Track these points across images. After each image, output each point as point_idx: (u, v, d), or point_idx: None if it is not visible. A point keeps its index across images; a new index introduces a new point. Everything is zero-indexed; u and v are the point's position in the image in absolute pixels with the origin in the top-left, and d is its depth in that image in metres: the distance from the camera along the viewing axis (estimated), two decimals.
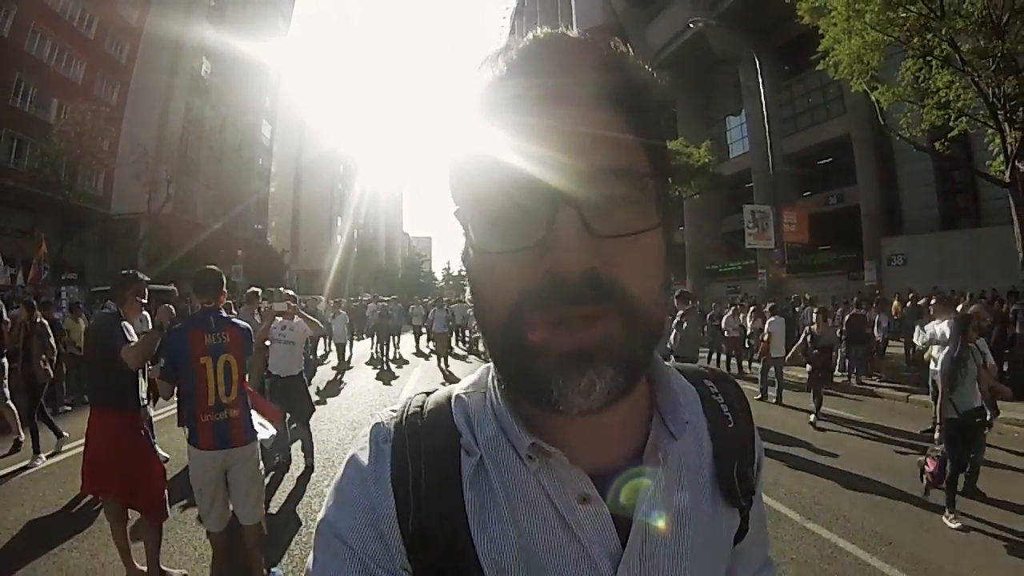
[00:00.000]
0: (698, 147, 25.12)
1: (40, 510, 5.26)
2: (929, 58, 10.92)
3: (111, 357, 3.67)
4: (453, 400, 0.63)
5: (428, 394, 0.66)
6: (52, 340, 7.68)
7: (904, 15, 10.60)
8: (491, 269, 0.51)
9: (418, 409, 0.63)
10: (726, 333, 14.29)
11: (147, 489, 3.77)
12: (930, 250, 22.66)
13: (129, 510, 3.87)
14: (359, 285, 48.42)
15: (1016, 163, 10.39)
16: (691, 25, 19.72)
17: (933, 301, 11.00)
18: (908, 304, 14.73)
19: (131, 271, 4.15)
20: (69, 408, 9.98)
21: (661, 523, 0.58)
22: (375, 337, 17.82)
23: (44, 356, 7.31)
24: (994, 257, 18.19)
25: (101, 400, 3.89)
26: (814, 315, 9.49)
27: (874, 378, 12.42)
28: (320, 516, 0.59)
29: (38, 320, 7.60)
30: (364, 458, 0.60)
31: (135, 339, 3.76)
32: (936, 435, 5.25)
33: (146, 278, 4.18)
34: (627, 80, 0.53)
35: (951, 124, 11.35)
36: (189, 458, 3.47)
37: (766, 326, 10.36)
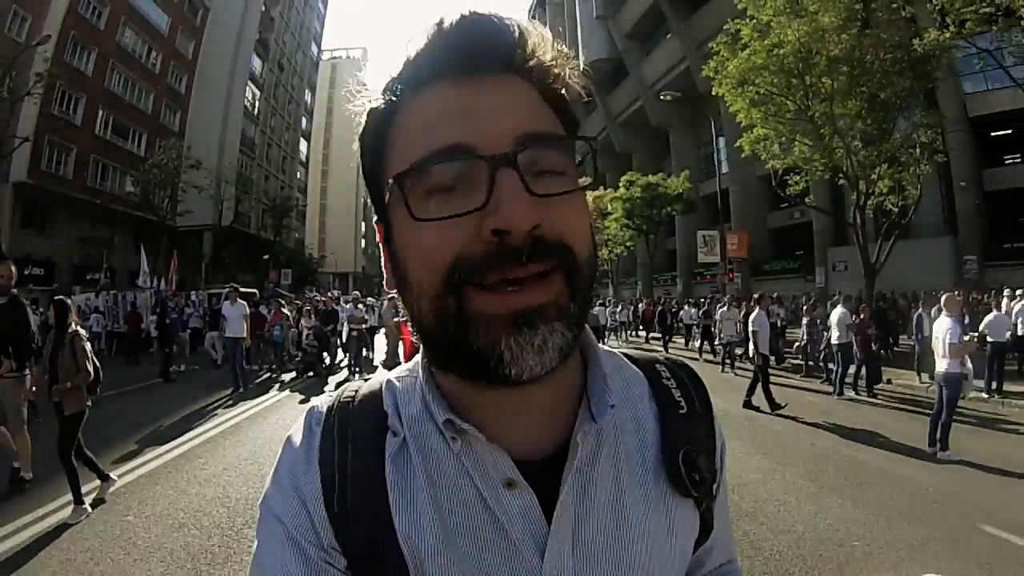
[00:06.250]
0: (677, 176, 30.55)
1: None
2: (801, 140, 15.60)
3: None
4: (385, 385, 0.63)
5: (366, 380, 0.67)
6: (90, 357, 5.17)
7: (783, 110, 15.36)
8: (421, 240, 0.50)
9: (352, 394, 0.64)
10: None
11: None
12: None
13: None
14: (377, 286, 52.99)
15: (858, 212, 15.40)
16: (662, 97, 24.36)
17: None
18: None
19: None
20: (196, 367, 13.57)
21: (591, 511, 0.56)
22: None
23: (76, 379, 4.97)
24: (915, 264, 23.11)
25: None
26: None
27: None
28: (261, 497, 0.60)
29: (71, 327, 5.17)
30: (297, 440, 0.61)
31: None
32: None
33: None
34: (545, 60, 0.55)
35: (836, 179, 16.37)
36: None
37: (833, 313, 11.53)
